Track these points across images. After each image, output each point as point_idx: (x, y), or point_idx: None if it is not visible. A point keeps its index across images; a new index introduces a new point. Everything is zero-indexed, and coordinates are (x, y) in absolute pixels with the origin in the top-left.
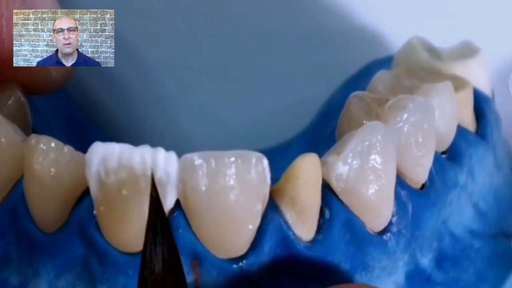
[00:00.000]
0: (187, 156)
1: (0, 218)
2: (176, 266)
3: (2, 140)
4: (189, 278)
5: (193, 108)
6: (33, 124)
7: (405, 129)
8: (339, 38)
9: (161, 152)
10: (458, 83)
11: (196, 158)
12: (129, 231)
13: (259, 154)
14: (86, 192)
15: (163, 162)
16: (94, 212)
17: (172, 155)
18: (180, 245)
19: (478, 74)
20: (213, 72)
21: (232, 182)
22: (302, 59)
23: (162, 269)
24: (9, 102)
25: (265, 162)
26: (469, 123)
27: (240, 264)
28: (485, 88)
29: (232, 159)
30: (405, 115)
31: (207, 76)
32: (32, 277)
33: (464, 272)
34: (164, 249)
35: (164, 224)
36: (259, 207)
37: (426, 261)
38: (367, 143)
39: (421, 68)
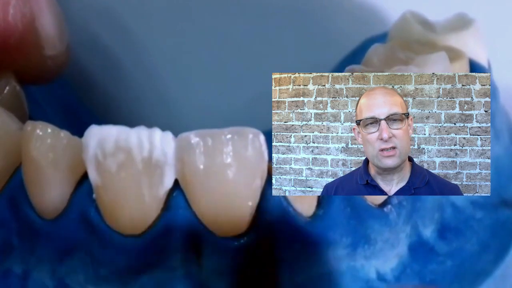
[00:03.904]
0: (184, 135)
1: (0, 206)
2: None
3: None
4: (191, 257)
5: (192, 94)
6: (31, 113)
7: None
8: (337, 14)
9: (157, 132)
10: (453, 54)
11: (193, 137)
12: (129, 213)
13: (256, 130)
14: (85, 176)
15: (159, 143)
16: (94, 196)
17: (169, 135)
18: (180, 225)
19: (474, 45)
20: (213, 60)
21: (229, 159)
22: (300, 36)
23: None
24: (5, 91)
25: (262, 137)
26: None
27: (241, 241)
28: (481, 58)
29: (229, 136)
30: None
31: (207, 59)
32: (35, 264)
33: (467, 242)
34: None
35: None
36: (258, 183)
37: (428, 232)
38: None
39: (415, 41)
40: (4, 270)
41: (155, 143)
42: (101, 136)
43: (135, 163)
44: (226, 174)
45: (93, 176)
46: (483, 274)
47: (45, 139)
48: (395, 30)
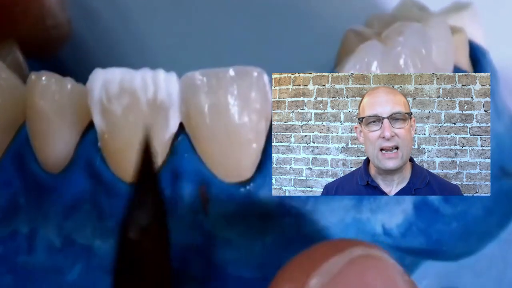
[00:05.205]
0: (188, 74)
1: (6, 166)
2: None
3: (2, 83)
4: (197, 203)
5: None
6: None
7: (403, 53)
8: (337, 15)
9: (161, 73)
10: (453, 29)
11: (197, 76)
12: (135, 159)
13: (260, 69)
14: (90, 127)
15: (164, 83)
16: (99, 144)
17: (173, 76)
18: (186, 171)
19: (473, 27)
20: (213, 60)
21: (234, 99)
22: (300, 36)
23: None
24: (7, 61)
25: (265, 77)
26: (466, 67)
27: (248, 187)
28: (480, 41)
29: (233, 74)
30: (402, 39)
31: (207, 59)
32: (41, 222)
33: (472, 206)
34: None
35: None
36: (263, 126)
37: None
38: (366, 60)
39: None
40: (10, 231)
41: (159, 83)
42: (105, 79)
43: (140, 105)
44: (230, 114)
45: (98, 121)
46: (488, 236)
47: (49, 86)
48: (395, 14)
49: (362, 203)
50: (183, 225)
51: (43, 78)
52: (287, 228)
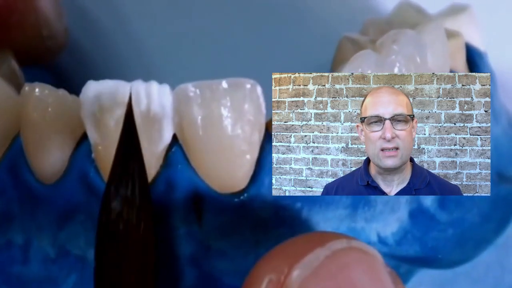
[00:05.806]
0: (181, 86)
1: (0, 176)
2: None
3: None
4: (192, 216)
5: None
6: None
7: (398, 61)
8: (337, 14)
9: (154, 85)
10: (449, 34)
11: (190, 88)
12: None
13: (253, 81)
14: (84, 138)
15: (157, 95)
16: (93, 155)
17: (166, 88)
18: (180, 182)
19: (470, 30)
20: (213, 60)
21: (227, 111)
22: (300, 36)
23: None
24: (2, 70)
25: (259, 89)
26: (462, 72)
27: (242, 197)
28: (477, 44)
29: (226, 86)
30: (396, 47)
31: (207, 59)
32: (35, 232)
33: (468, 212)
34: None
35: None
36: (256, 137)
37: (428, 201)
38: (360, 70)
39: (411, 24)
40: (5, 241)
41: (152, 96)
42: (97, 91)
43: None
44: (224, 126)
45: (91, 133)
46: (485, 242)
47: (43, 98)
48: (392, 18)
49: (357, 212)
50: (177, 236)
51: (37, 89)
52: (281, 238)
